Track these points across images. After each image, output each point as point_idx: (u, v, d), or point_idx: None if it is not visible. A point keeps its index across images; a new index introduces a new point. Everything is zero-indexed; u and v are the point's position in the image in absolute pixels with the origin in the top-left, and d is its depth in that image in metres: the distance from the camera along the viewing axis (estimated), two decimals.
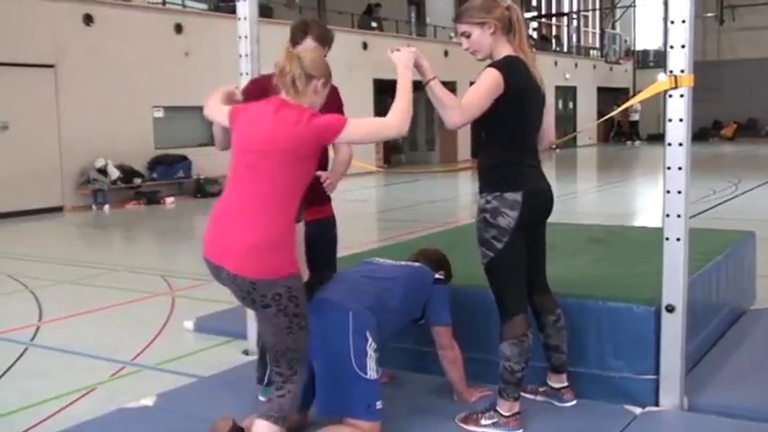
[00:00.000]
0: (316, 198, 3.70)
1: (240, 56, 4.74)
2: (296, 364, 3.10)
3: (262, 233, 2.99)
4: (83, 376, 4.72)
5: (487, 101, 3.31)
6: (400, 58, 3.22)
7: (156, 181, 15.37)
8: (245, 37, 4.72)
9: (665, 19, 3.63)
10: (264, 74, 4.03)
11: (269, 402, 3.13)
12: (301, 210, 3.31)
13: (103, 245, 11.27)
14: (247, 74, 4.68)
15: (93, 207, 14.18)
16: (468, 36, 3.45)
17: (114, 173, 14.47)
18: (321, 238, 3.81)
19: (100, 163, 14.22)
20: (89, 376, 4.72)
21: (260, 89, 3.63)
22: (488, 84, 3.31)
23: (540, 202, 3.50)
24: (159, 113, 15.66)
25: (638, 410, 3.68)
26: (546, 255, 3.70)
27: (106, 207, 14.15)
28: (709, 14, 31.40)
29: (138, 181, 15.01)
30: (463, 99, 3.29)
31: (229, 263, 3.01)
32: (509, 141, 3.44)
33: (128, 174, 14.84)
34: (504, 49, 3.44)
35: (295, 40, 3.80)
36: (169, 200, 15.09)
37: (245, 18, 4.69)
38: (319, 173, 3.60)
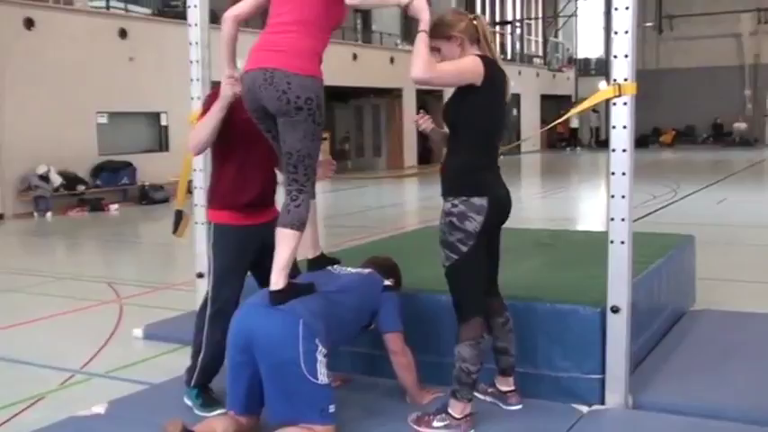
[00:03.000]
0: (270, 201, 3.88)
1: (191, 62, 4.74)
2: (310, 172, 3.47)
3: (293, 44, 3.37)
4: (31, 386, 4.64)
5: (458, 78, 3.45)
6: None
7: (100, 188, 15.15)
8: (196, 43, 4.72)
9: (607, 29, 3.76)
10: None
11: (288, 214, 3.42)
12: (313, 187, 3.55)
13: (47, 253, 11.06)
14: (198, 80, 4.69)
15: (36, 214, 13.90)
16: (439, 51, 3.54)
17: (57, 179, 14.21)
18: None
19: (42, 169, 13.94)
20: (37, 385, 4.65)
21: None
22: (466, 64, 3.44)
23: (502, 207, 3.59)
24: (103, 119, 15.42)
25: (585, 409, 3.78)
26: (500, 259, 3.77)
27: (48, 214, 13.90)
28: (649, 24, 32.12)
29: (81, 188, 14.77)
30: (439, 65, 3.40)
31: (269, 64, 3.34)
32: (479, 144, 3.53)
33: (71, 180, 14.59)
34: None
35: None
36: (113, 207, 14.86)
37: (197, 24, 4.69)
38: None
